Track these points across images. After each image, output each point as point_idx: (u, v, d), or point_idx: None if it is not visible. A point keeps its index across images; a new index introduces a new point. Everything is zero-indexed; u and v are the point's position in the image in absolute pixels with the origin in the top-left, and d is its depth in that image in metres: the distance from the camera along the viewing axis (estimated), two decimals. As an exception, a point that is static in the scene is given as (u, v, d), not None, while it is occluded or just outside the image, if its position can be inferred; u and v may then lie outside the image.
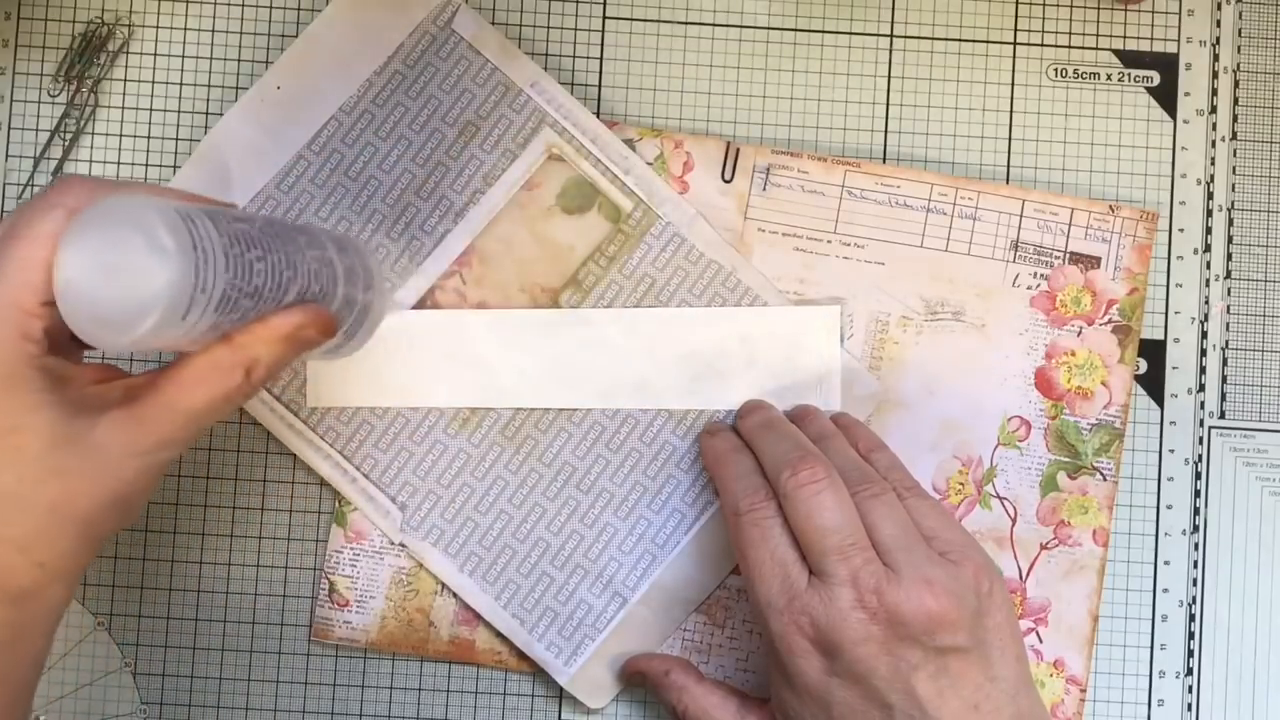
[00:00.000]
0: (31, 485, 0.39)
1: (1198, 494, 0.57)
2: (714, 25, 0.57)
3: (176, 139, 0.56)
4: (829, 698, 0.46)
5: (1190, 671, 0.56)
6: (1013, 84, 0.57)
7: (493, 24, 0.56)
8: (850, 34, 0.57)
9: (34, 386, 0.39)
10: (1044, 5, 0.57)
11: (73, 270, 0.37)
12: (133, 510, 0.42)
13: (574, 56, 0.57)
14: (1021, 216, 0.56)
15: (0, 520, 0.39)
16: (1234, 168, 0.57)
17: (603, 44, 0.57)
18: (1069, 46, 0.57)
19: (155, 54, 0.57)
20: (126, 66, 0.56)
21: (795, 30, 0.57)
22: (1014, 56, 0.57)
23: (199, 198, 0.43)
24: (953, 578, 0.46)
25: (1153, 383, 0.57)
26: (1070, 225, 0.56)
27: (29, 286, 0.39)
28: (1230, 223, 0.57)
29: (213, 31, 0.57)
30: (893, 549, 0.46)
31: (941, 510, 0.49)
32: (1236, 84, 0.57)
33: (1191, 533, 0.56)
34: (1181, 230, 0.57)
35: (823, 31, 0.57)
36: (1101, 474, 0.56)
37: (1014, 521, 0.55)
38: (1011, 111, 0.57)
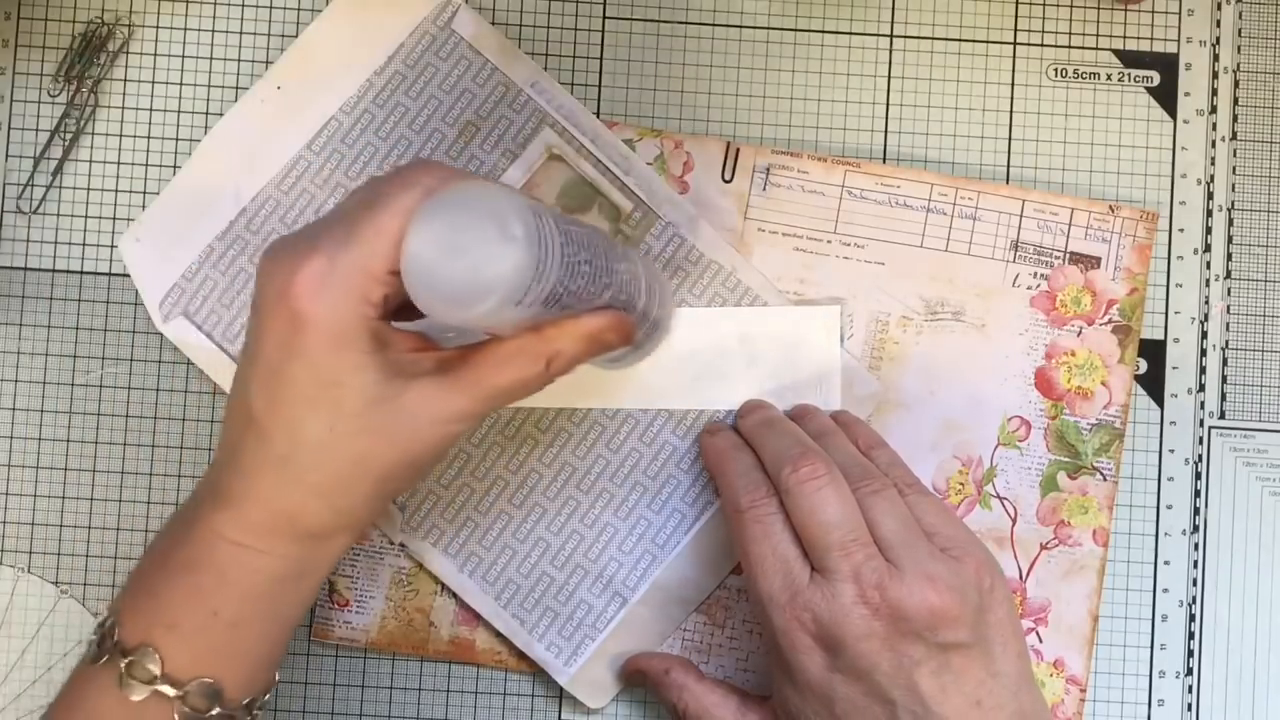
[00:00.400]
0: (342, 437, 0.42)
1: (1198, 494, 0.57)
2: (714, 25, 0.57)
3: (176, 139, 0.56)
4: (831, 694, 0.46)
5: (1190, 671, 0.56)
6: (1013, 84, 0.57)
7: (493, 24, 0.56)
8: (850, 34, 0.57)
9: (362, 347, 0.42)
10: (1044, 5, 0.57)
11: (424, 244, 0.39)
12: (422, 473, 0.45)
13: (574, 56, 0.57)
14: (1021, 216, 0.56)
15: (308, 465, 0.42)
16: (1234, 168, 0.57)
17: (603, 44, 0.57)
18: (1069, 46, 0.57)
19: (155, 54, 0.57)
20: (126, 66, 0.56)
21: (795, 30, 0.57)
22: (1014, 56, 0.57)
23: (533, 198, 0.45)
24: (954, 573, 0.46)
25: (1153, 383, 0.57)
26: (1070, 225, 0.56)
27: (379, 254, 0.41)
28: (1230, 223, 0.57)
29: (213, 31, 0.57)
30: (894, 545, 0.46)
31: (942, 506, 0.49)
32: (1236, 84, 0.57)
33: (1191, 533, 0.56)
34: (1181, 230, 0.57)
35: (823, 31, 0.57)
36: (1101, 474, 0.56)
37: (1014, 521, 0.55)
38: (1011, 111, 0.57)
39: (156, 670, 0.42)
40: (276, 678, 0.46)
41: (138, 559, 0.55)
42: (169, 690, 0.42)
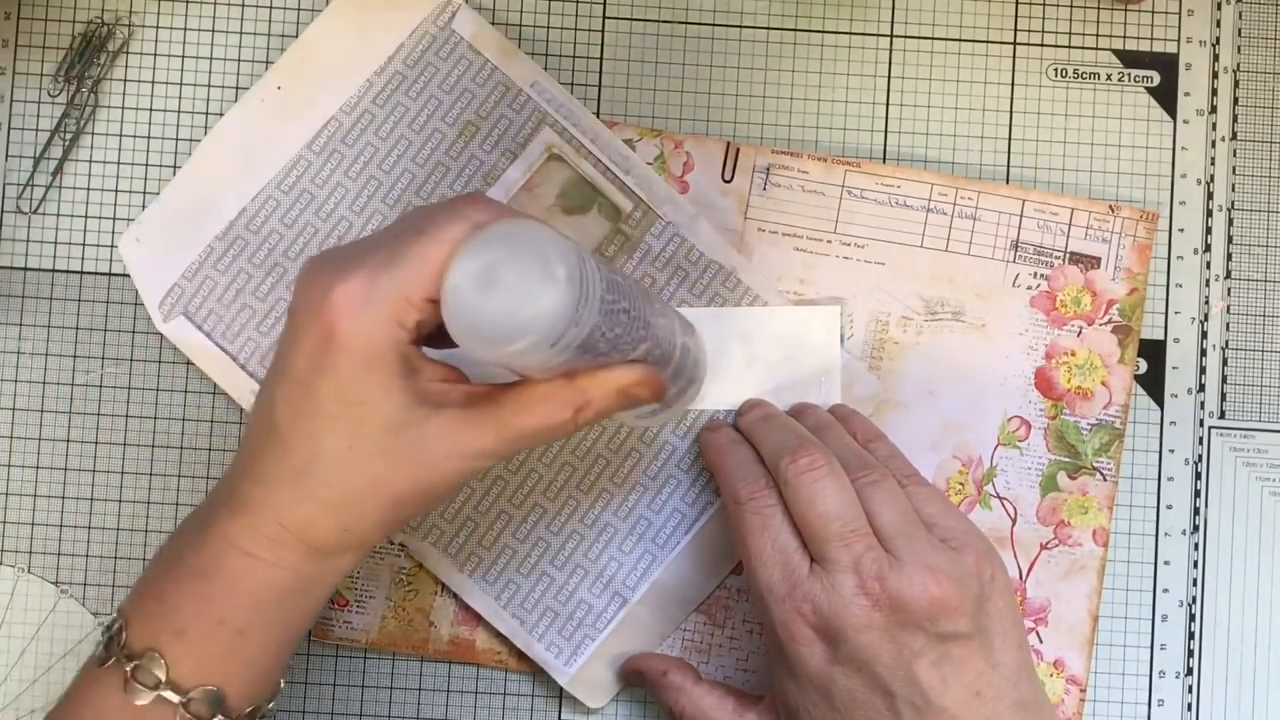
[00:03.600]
0: (360, 456, 0.42)
1: (1198, 494, 0.57)
2: (714, 25, 0.57)
3: (176, 139, 0.56)
4: (831, 686, 0.46)
5: (1190, 671, 0.56)
6: (1013, 84, 0.57)
7: (493, 24, 0.56)
8: (850, 34, 0.57)
9: (391, 370, 0.42)
10: (1044, 5, 0.57)
11: (465, 277, 0.39)
12: (437, 503, 0.46)
13: (574, 56, 0.57)
14: (1021, 216, 0.56)
15: (324, 481, 0.42)
16: (1234, 168, 0.57)
17: (603, 44, 0.57)
18: (1069, 46, 0.57)
19: (155, 54, 0.57)
20: (126, 66, 0.56)
21: (795, 30, 0.57)
22: (1014, 56, 0.57)
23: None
24: (954, 564, 0.46)
25: (1153, 383, 0.57)
26: (1070, 225, 0.56)
27: (420, 280, 0.41)
28: (1230, 223, 0.57)
29: (213, 31, 0.57)
30: (894, 535, 0.46)
31: (942, 497, 0.49)
32: (1236, 84, 0.57)
33: (1191, 533, 0.56)
34: (1181, 230, 0.57)
35: (823, 31, 0.57)
36: (1101, 474, 0.56)
37: (1014, 521, 0.55)
38: (1011, 111, 0.57)
39: (162, 676, 0.43)
40: (280, 686, 0.46)
41: (144, 559, 0.55)
42: (173, 696, 0.43)
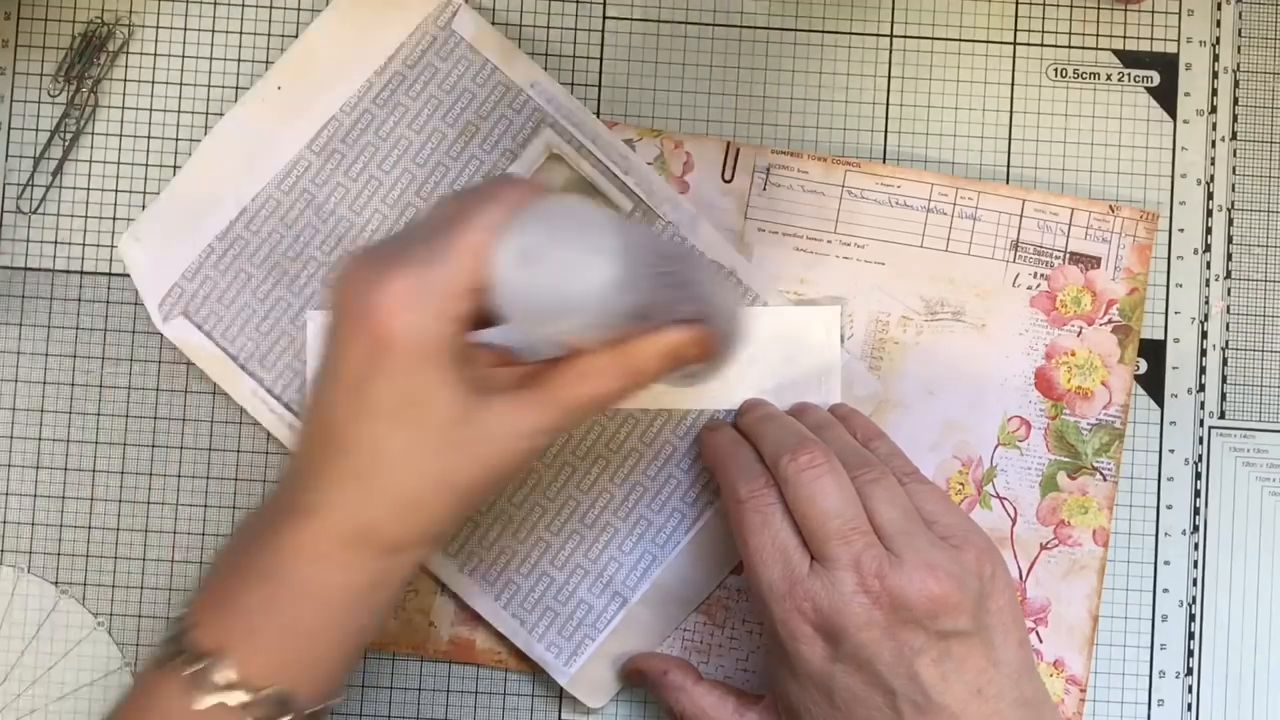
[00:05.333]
0: (423, 454, 0.42)
1: (1198, 494, 0.57)
2: (714, 25, 0.57)
3: (176, 139, 0.56)
4: (831, 684, 0.46)
5: (1190, 671, 0.56)
6: (1013, 84, 0.57)
7: (493, 24, 0.56)
8: (850, 34, 0.57)
9: (444, 364, 0.42)
10: (1044, 5, 0.57)
11: (514, 259, 0.39)
12: (502, 486, 0.46)
13: (574, 56, 0.57)
14: (1021, 216, 0.56)
15: (390, 481, 0.42)
16: (1234, 168, 0.57)
17: (603, 44, 0.57)
18: (1069, 46, 0.57)
19: (155, 54, 0.57)
20: (126, 66, 0.56)
21: (795, 30, 0.57)
22: (1014, 56, 0.57)
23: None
24: (954, 561, 0.46)
25: (1153, 383, 0.57)
26: (1070, 225, 0.56)
27: (463, 271, 0.41)
28: (1230, 223, 0.57)
29: (213, 31, 0.57)
30: (894, 533, 0.46)
31: (942, 495, 0.49)
32: (1236, 84, 0.57)
33: (1191, 533, 0.57)
34: (1181, 230, 0.57)
35: (823, 31, 0.57)
36: (1101, 474, 0.56)
37: (1014, 521, 0.55)
38: (1011, 111, 0.57)
39: (228, 678, 0.42)
40: (344, 685, 0.46)
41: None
42: (238, 698, 0.42)
